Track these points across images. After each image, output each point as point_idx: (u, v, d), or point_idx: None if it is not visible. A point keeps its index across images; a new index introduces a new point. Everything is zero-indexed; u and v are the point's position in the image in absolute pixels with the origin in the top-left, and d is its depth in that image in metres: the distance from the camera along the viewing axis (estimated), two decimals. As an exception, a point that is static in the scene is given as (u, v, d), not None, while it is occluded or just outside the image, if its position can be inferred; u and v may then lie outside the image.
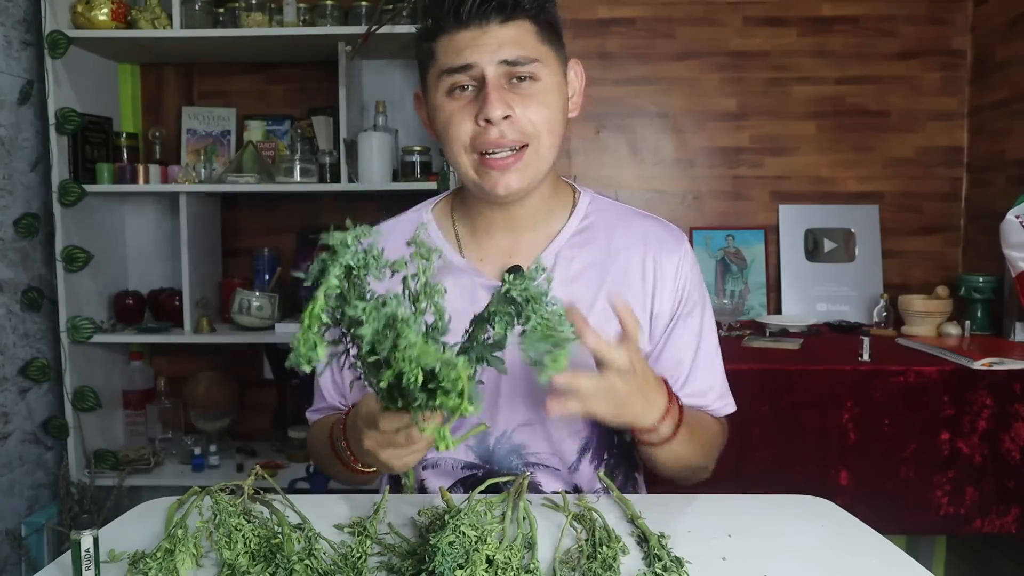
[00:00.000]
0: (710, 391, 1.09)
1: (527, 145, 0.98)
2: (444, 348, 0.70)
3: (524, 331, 0.69)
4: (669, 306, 1.07)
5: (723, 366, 1.12)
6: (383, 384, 0.66)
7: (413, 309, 0.69)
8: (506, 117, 0.95)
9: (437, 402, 0.63)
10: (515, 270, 1.05)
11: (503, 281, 0.71)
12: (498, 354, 0.72)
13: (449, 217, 1.12)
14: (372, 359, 0.66)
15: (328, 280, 0.64)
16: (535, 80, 0.97)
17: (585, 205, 1.11)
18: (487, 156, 0.97)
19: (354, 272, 0.66)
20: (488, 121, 0.95)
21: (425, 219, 1.12)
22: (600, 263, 1.07)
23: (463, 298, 1.04)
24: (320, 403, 1.14)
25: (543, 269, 0.71)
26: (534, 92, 0.97)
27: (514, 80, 0.96)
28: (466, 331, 0.73)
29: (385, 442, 0.81)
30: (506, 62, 0.95)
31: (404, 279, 0.72)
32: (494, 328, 0.70)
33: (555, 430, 1.05)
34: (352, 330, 0.66)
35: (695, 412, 1.07)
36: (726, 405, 1.12)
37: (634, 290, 1.06)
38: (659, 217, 1.13)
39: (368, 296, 0.67)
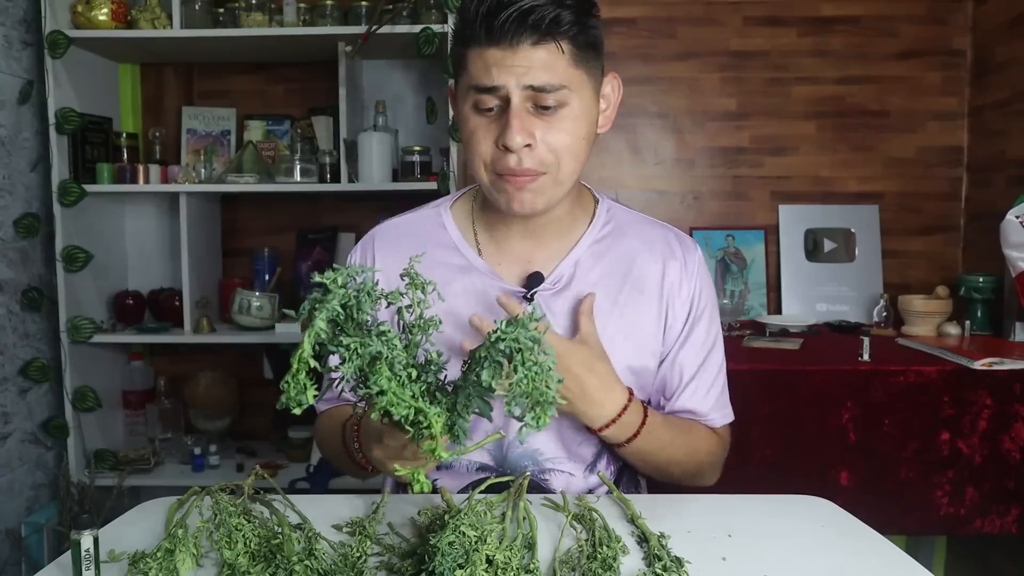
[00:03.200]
0: (707, 403, 1.09)
1: (545, 172, 0.96)
2: (442, 381, 0.72)
3: (511, 384, 0.67)
4: (682, 314, 1.08)
5: (726, 377, 1.13)
6: (374, 416, 0.67)
7: (407, 341, 0.70)
8: (527, 145, 0.93)
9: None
10: (535, 277, 1.05)
11: (497, 327, 0.69)
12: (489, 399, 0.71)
13: (469, 217, 1.11)
14: (363, 392, 0.68)
15: (316, 324, 0.64)
16: (562, 106, 0.94)
17: (604, 213, 1.11)
18: (507, 175, 0.96)
19: (345, 311, 0.66)
20: (507, 148, 0.93)
21: (444, 217, 1.11)
22: (618, 272, 1.07)
23: (480, 301, 1.04)
24: (328, 393, 1.14)
25: (540, 317, 0.70)
26: (559, 119, 0.94)
27: (541, 106, 0.93)
28: (464, 361, 0.73)
29: (392, 455, 0.84)
30: (532, 87, 0.92)
31: (399, 310, 0.72)
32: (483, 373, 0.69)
33: (570, 435, 1.05)
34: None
35: (682, 421, 1.08)
36: (723, 416, 1.12)
37: (650, 298, 1.07)
38: (672, 226, 1.14)
39: (370, 318, 0.68)
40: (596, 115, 1.00)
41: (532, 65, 0.91)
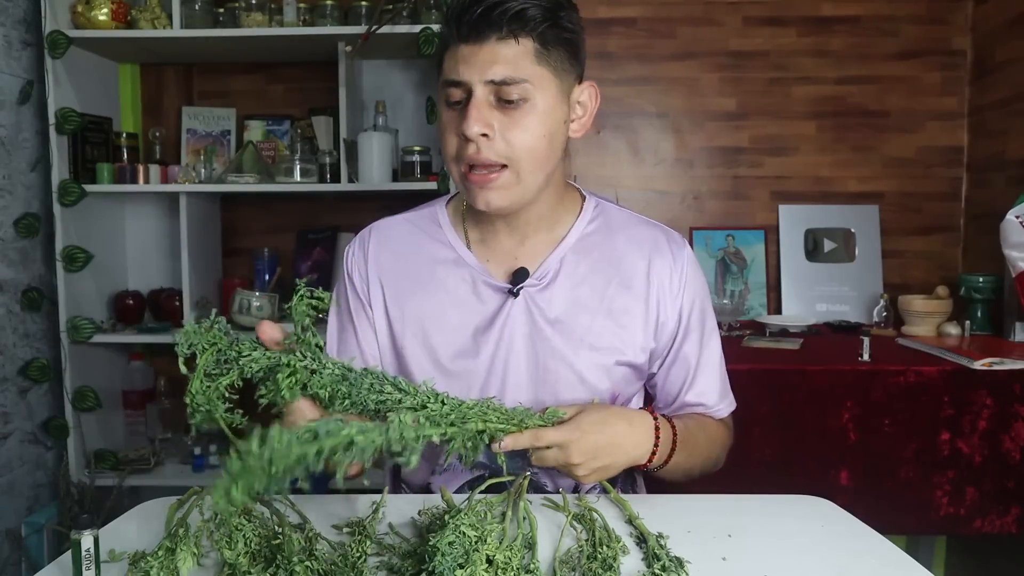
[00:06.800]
0: (712, 393, 1.12)
1: (506, 166, 0.97)
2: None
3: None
4: (675, 311, 1.09)
5: (724, 366, 1.16)
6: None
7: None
8: (484, 135, 0.95)
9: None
10: (520, 273, 1.06)
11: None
12: None
13: (460, 216, 1.13)
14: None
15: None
16: (524, 101, 0.95)
17: (591, 210, 1.12)
18: (471, 170, 0.98)
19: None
20: (465, 136, 0.95)
21: (440, 215, 1.13)
22: (605, 268, 1.08)
23: (470, 294, 1.06)
24: None
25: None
26: (520, 114, 0.96)
27: (503, 100, 0.95)
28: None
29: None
30: (493, 82, 0.94)
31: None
32: None
33: None
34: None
35: (694, 420, 1.10)
36: (728, 405, 1.16)
37: (637, 295, 1.08)
38: (661, 224, 1.14)
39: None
40: (562, 116, 1.01)
41: (496, 60, 0.94)
